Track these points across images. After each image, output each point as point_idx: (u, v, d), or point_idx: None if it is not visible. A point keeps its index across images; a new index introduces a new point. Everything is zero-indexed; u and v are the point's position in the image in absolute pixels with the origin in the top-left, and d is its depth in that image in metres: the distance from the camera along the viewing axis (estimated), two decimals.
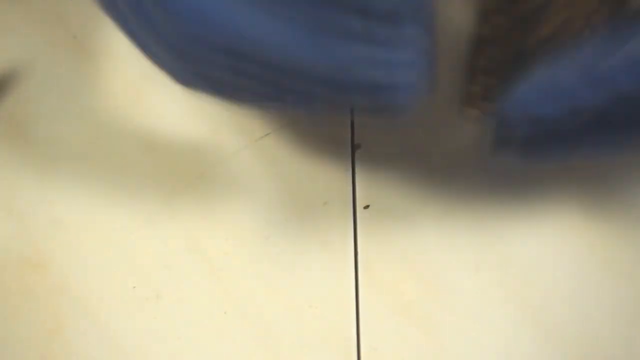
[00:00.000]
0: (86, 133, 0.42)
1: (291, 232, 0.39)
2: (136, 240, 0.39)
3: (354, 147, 0.42)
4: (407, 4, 0.23)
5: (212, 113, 0.43)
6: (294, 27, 0.23)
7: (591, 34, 0.32)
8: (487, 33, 0.35)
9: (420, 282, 0.38)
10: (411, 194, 0.40)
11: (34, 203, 0.39)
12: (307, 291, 0.37)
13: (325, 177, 0.41)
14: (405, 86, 0.25)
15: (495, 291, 0.37)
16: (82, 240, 0.38)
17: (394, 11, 0.23)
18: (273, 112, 0.41)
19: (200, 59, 0.24)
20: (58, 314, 0.36)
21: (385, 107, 0.26)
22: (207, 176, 0.41)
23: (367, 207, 0.40)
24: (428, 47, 0.25)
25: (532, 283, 0.38)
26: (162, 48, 0.25)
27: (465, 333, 0.36)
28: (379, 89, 0.25)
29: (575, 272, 0.38)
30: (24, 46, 0.45)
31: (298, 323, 0.37)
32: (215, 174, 0.41)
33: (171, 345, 0.36)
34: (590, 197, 0.40)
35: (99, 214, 0.39)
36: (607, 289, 0.38)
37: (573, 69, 0.27)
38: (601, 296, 0.37)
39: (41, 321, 0.36)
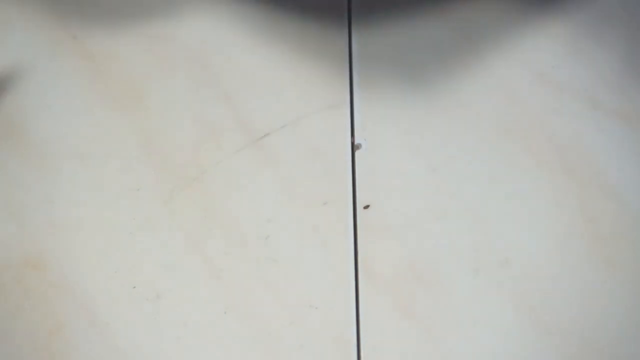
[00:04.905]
0: (86, 133, 0.42)
1: (291, 232, 0.39)
2: (136, 240, 0.39)
3: (354, 147, 0.42)
4: None
5: (212, 113, 0.43)
6: None
7: None
8: None
9: (420, 282, 0.38)
10: (411, 194, 0.40)
11: (34, 203, 0.39)
12: (307, 291, 0.37)
13: (325, 177, 0.41)
14: None
15: (494, 291, 0.37)
16: (82, 240, 0.38)
17: None
18: None
19: None
20: (58, 313, 0.36)
21: None
22: (207, 176, 0.41)
23: (367, 207, 0.40)
24: None
25: (532, 283, 0.38)
26: None
27: (465, 333, 0.36)
28: None
29: (575, 272, 0.38)
30: (24, 46, 0.45)
31: (298, 323, 0.37)
32: (215, 174, 0.41)
33: (171, 345, 0.36)
34: (590, 196, 0.40)
35: (99, 214, 0.39)
36: (607, 289, 0.38)
37: None
38: (601, 296, 0.37)
39: (41, 321, 0.36)
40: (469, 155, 0.41)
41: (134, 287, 0.37)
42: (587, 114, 0.43)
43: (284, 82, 0.44)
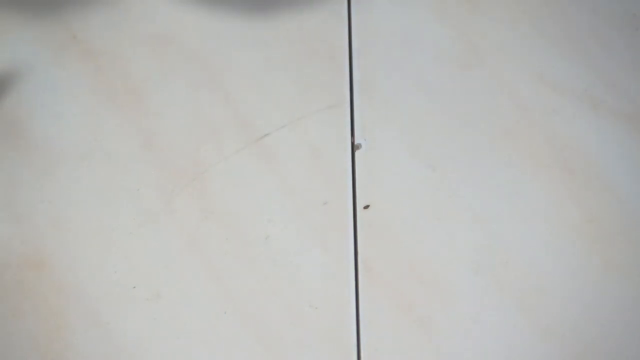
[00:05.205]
0: (86, 133, 0.42)
1: (291, 232, 0.39)
2: (136, 240, 0.39)
3: (354, 147, 0.42)
4: None
5: (212, 113, 0.43)
6: None
7: None
8: None
9: (421, 282, 0.38)
10: (411, 194, 0.40)
11: (34, 203, 0.39)
12: (307, 291, 0.37)
13: (325, 177, 0.41)
14: None
15: (494, 291, 0.37)
16: (82, 240, 0.38)
17: None
18: None
19: None
20: (58, 313, 0.36)
21: None
22: (207, 176, 0.41)
23: (367, 207, 0.40)
24: None
25: (532, 283, 0.38)
26: None
27: (464, 333, 0.36)
28: None
29: (575, 272, 0.38)
30: (24, 46, 0.45)
31: (298, 323, 0.37)
32: (215, 174, 0.41)
33: (171, 345, 0.36)
34: (590, 197, 0.40)
35: (99, 214, 0.39)
36: (607, 289, 0.38)
37: None
38: (601, 296, 0.37)
39: (42, 321, 0.36)
40: (469, 155, 0.41)
41: (134, 287, 0.37)
42: (587, 114, 0.43)
43: (284, 82, 0.44)
